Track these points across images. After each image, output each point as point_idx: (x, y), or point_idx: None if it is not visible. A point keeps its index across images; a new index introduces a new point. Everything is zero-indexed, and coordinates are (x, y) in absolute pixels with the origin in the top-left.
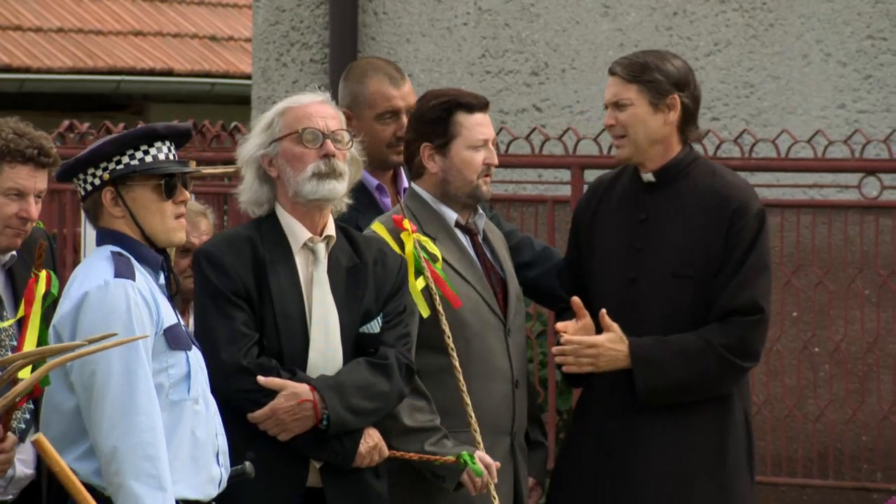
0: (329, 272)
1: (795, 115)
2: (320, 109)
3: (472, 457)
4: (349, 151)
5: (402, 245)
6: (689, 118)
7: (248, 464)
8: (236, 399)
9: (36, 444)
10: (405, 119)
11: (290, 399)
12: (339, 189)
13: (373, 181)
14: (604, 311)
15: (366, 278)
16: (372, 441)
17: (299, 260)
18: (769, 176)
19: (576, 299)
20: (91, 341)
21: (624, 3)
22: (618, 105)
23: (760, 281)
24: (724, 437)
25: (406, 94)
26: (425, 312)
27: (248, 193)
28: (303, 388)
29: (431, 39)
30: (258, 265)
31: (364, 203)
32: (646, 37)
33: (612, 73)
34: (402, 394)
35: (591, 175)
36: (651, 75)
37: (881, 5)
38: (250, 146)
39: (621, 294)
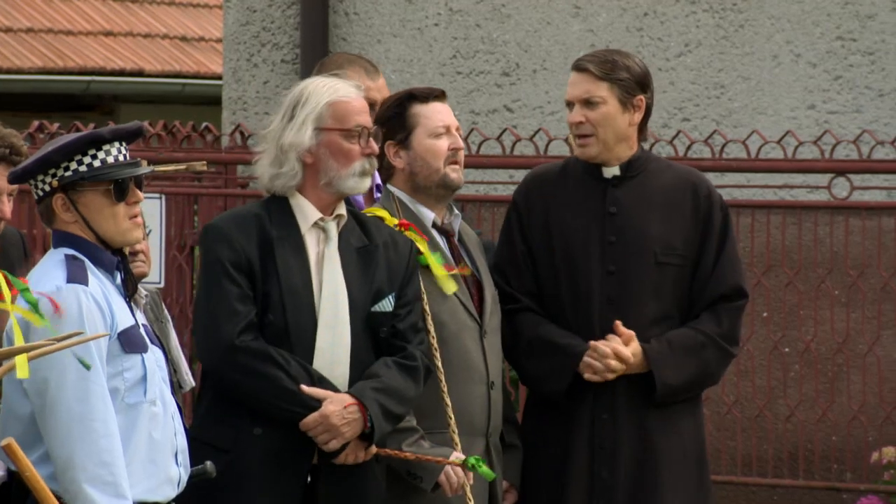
0: (340, 251)
1: (766, 116)
2: (363, 106)
3: (479, 459)
4: None
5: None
6: (647, 119)
7: (209, 463)
8: (226, 377)
9: (6, 448)
10: None
11: (337, 404)
12: (370, 183)
13: None
14: (618, 322)
15: (377, 258)
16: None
17: (310, 238)
18: (739, 176)
19: (619, 325)
20: (55, 340)
21: (595, 4)
22: (588, 102)
23: (739, 266)
24: (701, 429)
25: (381, 87)
26: (453, 288)
27: (277, 174)
28: (343, 395)
29: (402, 40)
30: (265, 241)
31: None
32: (616, 37)
33: (580, 69)
34: (420, 394)
35: None
36: (621, 74)
37: (851, 6)
38: (292, 131)
39: (598, 287)
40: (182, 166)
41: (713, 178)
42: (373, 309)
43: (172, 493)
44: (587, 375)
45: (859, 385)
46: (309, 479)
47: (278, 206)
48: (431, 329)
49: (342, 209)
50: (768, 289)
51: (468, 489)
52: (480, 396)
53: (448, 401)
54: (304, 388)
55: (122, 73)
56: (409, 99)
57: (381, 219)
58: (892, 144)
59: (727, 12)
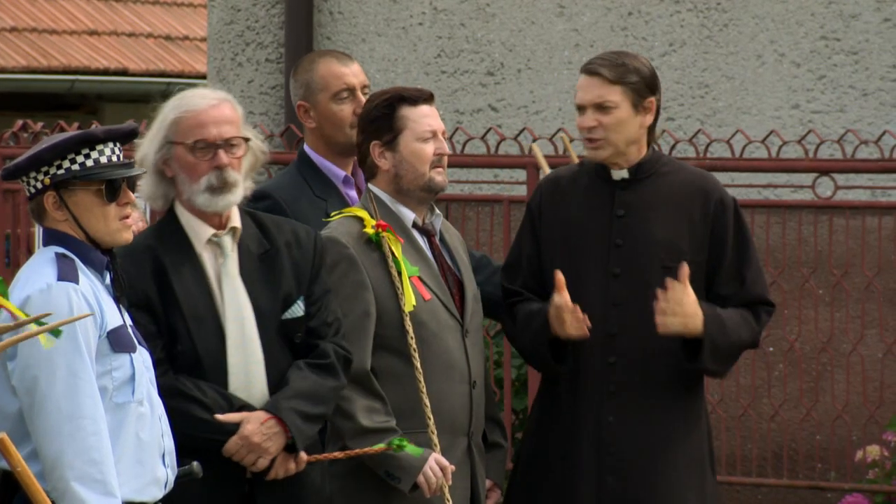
0: (240, 263)
1: (750, 116)
2: (215, 115)
3: (402, 439)
4: (250, 145)
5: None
6: (656, 120)
7: (195, 464)
8: None
9: None
10: (362, 97)
11: (254, 423)
12: (234, 200)
13: (339, 173)
14: (686, 267)
15: (281, 262)
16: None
17: (207, 256)
18: (724, 176)
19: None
20: (42, 325)
21: (579, 4)
22: (601, 107)
23: (763, 276)
24: (708, 433)
25: (357, 72)
26: (411, 304)
27: (146, 188)
28: (259, 413)
29: (387, 39)
30: (159, 272)
31: (331, 195)
32: (601, 37)
33: (592, 73)
34: (344, 386)
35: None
36: (633, 77)
37: (834, 6)
38: (148, 143)
39: (602, 290)
40: None
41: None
42: (283, 317)
43: (159, 493)
44: (557, 330)
45: (843, 384)
46: (247, 489)
47: (171, 230)
48: (410, 329)
49: (236, 220)
50: None
51: (446, 490)
52: (462, 395)
53: (427, 401)
54: (218, 416)
55: (106, 72)
56: (398, 100)
57: (334, 241)
58: (875, 144)
59: (711, 12)
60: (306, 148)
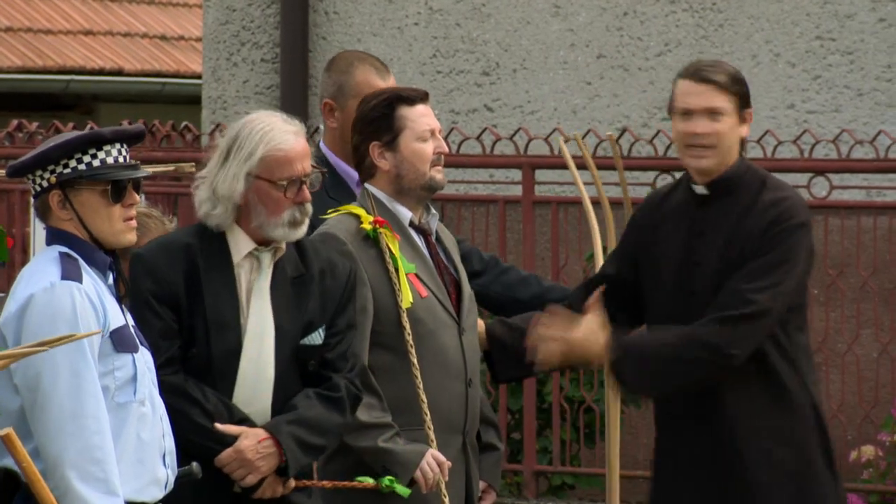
0: (273, 282)
1: None
2: (300, 150)
3: (393, 480)
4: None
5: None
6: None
7: (195, 464)
8: None
9: (5, 438)
10: None
11: (251, 439)
12: (305, 230)
13: (354, 175)
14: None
15: (311, 289)
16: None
17: (242, 269)
18: None
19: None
20: (45, 344)
21: (574, 4)
22: (713, 113)
23: (774, 295)
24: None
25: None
26: (408, 301)
27: (210, 214)
28: (258, 430)
29: (382, 39)
30: (192, 272)
31: (344, 196)
32: (596, 37)
33: (703, 79)
34: (349, 426)
35: (541, 175)
36: (741, 87)
37: (830, 6)
38: (226, 179)
39: (679, 308)
40: (171, 167)
41: None
42: (301, 342)
43: (160, 493)
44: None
45: (838, 384)
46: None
47: (213, 233)
48: (407, 326)
49: (281, 242)
50: None
51: (443, 486)
52: (458, 394)
53: (424, 397)
54: (218, 426)
55: (101, 72)
56: (396, 101)
57: (332, 237)
58: (870, 144)
59: (707, 12)
60: (322, 146)
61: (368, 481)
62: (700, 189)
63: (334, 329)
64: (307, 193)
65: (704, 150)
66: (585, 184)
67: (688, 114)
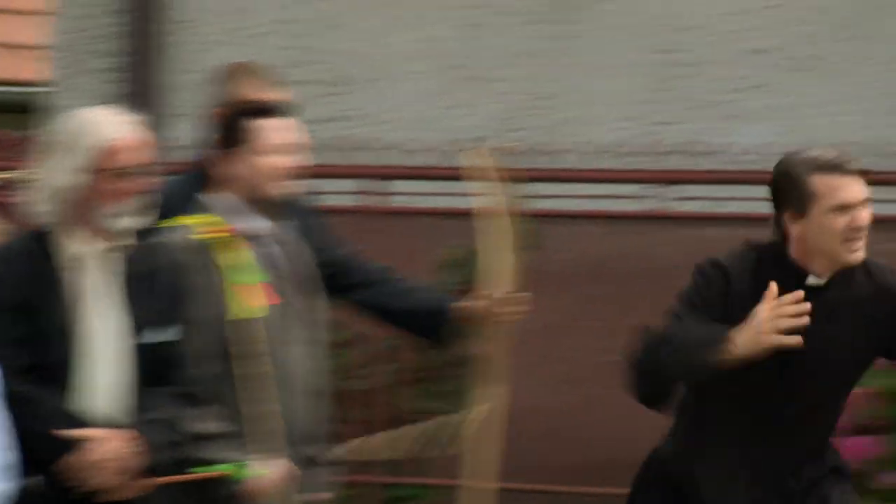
0: (115, 281)
1: (595, 126)
2: (131, 140)
3: (242, 465)
4: None
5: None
6: None
7: (39, 478)
8: None
9: None
10: None
11: (106, 439)
12: (144, 221)
13: None
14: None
15: (154, 286)
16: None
17: (82, 270)
18: (571, 187)
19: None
20: None
21: (428, 14)
22: (866, 205)
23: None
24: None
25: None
26: (260, 312)
27: (45, 211)
28: (107, 430)
29: (232, 48)
30: (31, 277)
31: None
32: (450, 48)
33: (857, 172)
34: (202, 417)
35: (398, 185)
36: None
37: (680, 19)
38: (58, 172)
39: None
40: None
41: (546, 188)
42: (145, 340)
43: None
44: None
45: None
46: None
47: (49, 235)
48: (252, 335)
49: (125, 237)
50: None
51: (287, 498)
52: (302, 406)
53: (269, 410)
54: (66, 431)
55: None
56: (247, 113)
57: (176, 240)
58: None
59: (560, 24)
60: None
61: (221, 469)
62: (816, 280)
63: (177, 328)
64: (142, 184)
65: (860, 243)
66: (477, 195)
67: (846, 208)
